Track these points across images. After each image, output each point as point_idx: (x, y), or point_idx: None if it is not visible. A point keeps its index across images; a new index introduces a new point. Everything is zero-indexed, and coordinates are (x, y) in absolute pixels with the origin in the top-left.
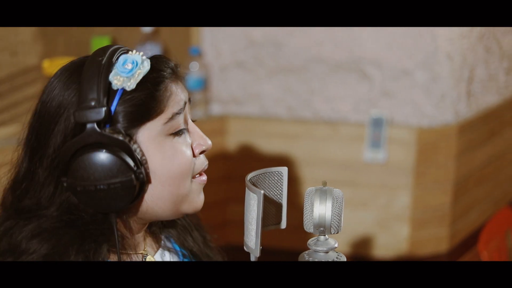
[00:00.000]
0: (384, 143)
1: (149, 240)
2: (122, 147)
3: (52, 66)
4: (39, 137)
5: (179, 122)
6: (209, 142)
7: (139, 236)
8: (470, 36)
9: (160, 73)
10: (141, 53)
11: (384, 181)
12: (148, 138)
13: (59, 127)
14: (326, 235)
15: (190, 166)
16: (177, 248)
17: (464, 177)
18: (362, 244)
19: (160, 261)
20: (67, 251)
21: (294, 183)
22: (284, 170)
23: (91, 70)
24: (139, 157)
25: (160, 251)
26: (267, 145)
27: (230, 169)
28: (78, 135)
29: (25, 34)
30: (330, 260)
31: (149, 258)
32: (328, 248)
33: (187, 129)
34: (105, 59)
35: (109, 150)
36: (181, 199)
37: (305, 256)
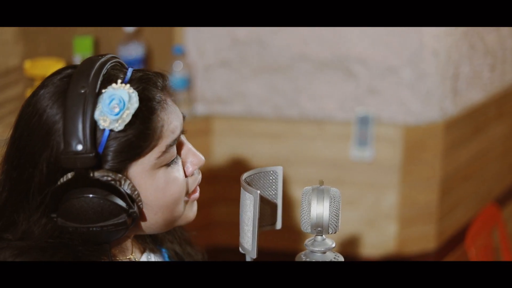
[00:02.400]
0: (370, 141)
1: (135, 243)
2: (113, 190)
3: (34, 67)
4: (19, 169)
5: (173, 153)
6: (202, 158)
7: (126, 244)
8: (454, 33)
9: (149, 105)
10: (127, 87)
11: (371, 179)
12: (141, 173)
13: (42, 165)
14: (324, 235)
15: (183, 191)
16: (162, 249)
17: (450, 174)
18: (350, 243)
19: (151, 261)
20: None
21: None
22: (279, 169)
23: (74, 106)
24: (131, 194)
25: (146, 253)
26: (253, 144)
27: (215, 170)
28: (64, 173)
29: (6, 34)
30: (327, 260)
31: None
32: (326, 249)
33: (179, 154)
34: (89, 89)
35: (99, 195)
36: (174, 219)
37: (302, 257)
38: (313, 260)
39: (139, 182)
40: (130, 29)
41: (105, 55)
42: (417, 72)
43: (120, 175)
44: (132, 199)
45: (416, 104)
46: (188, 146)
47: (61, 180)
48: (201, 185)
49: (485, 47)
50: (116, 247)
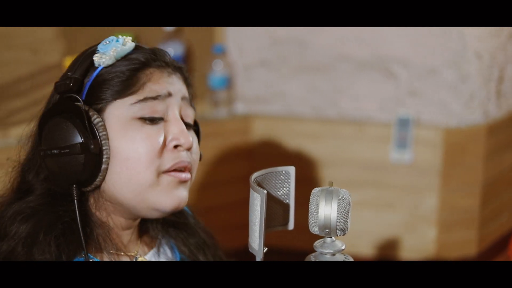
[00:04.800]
0: (410, 144)
1: (142, 241)
2: (79, 116)
3: None
4: (42, 114)
5: (152, 108)
6: (190, 139)
7: (127, 236)
8: (500, 35)
9: (145, 59)
10: (128, 38)
11: (410, 183)
12: (116, 116)
13: (49, 101)
14: (333, 237)
15: (152, 154)
16: (178, 259)
17: (493, 179)
18: (388, 246)
19: (156, 261)
20: (39, 234)
21: (318, 183)
22: (291, 169)
23: (85, 50)
24: (97, 129)
25: (153, 251)
26: (292, 144)
27: (254, 169)
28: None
29: (46, 32)
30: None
31: (140, 259)
32: (335, 251)
33: (164, 121)
34: (95, 46)
35: (66, 117)
36: (143, 189)
37: (311, 259)
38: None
39: (111, 124)
40: (170, 28)
41: None
42: (459, 74)
43: (94, 112)
44: (93, 134)
45: (457, 106)
46: (180, 126)
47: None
48: (240, 184)
49: None
50: (116, 238)
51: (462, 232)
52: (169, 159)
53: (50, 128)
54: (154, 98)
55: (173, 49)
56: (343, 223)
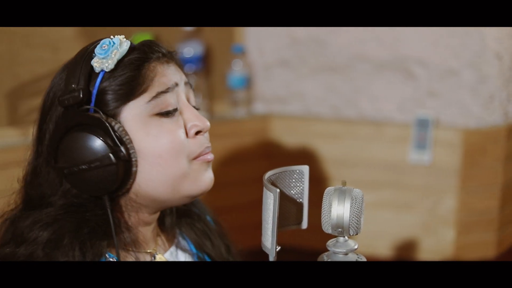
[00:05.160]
0: (429, 144)
1: (161, 239)
2: (100, 126)
3: None
4: (39, 128)
5: (166, 102)
6: (207, 123)
7: (149, 232)
8: None
9: (145, 54)
10: (122, 36)
11: (429, 184)
12: (133, 117)
13: (51, 115)
14: (346, 236)
15: (181, 145)
16: (194, 251)
17: None
18: (406, 247)
19: (171, 261)
20: (63, 238)
21: (336, 184)
22: (305, 168)
23: (77, 57)
24: (121, 136)
25: (172, 249)
26: (310, 144)
27: (272, 168)
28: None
29: (67, 31)
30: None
31: (159, 257)
32: (348, 250)
33: (179, 111)
34: (91, 47)
35: (86, 130)
36: (177, 180)
37: (324, 258)
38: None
39: (131, 127)
40: (190, 28)
41: None
42: (478, 75)
43: (111, 118)
44: (120, 140)
45: (477, 107)
46: (192, 111)
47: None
48: (257, 184)
49: None
50: (136, 237)
51: (480, 233)
52: (195, 146)
53: (68, 145)
54: (165, 91)
55: (192, 49)
56: (356, 223)
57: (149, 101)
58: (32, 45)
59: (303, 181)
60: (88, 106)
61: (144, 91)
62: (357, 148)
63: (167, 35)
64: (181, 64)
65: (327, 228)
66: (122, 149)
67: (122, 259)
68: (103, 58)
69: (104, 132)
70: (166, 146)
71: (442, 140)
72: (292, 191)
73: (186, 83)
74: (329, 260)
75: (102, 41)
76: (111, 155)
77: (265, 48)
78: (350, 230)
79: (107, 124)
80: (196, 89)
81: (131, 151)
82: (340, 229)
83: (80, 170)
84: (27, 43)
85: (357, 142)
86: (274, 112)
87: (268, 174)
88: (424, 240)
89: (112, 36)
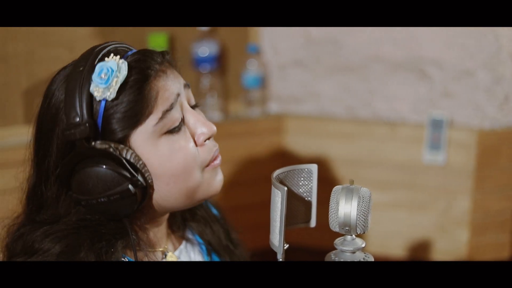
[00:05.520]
0: (443, 145)
1: (171, 235)
2: (114, 158)
3: None
4: (40, 151)
5: (172, 118)
6: (214, 128)
7: (160, 232)
8: None
9: (143, 73)
10: (117, 57)
11: (443, 184)
12: (143, 142)
13: (54, 143)
14: (353, 235)
15: (193, 159)
16: (200, 241)
17: None
18: (420, 248)
19: (181, 261)
20: (79, 250)
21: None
22: (313, 167)
23: (72, 83)
24: (134, 163)
25: (182, 246)
26: (325, 144)
27: None
28: (71, 149)
29: (83, 29)
30: (356, 261)
31: (170, 255)
32: (355, 248)
33: (184, 122)
34: (86, 67)
35: (100, 163)
36: (192, 190)
37: (332, 256)
38: (342, 260)
39: (143, 151)
40: (205, 27)
41: (112, 41)
42: (493, 76)
43: (122, 145)
44: (135, 168)
45: (492, 108)
46: (197, 117)
47: (68, 154)
48: (271, 183)
49: None
50: (148, 238)
51: (494, 235)
52: (205, 154)
53: (82, 179)
54: (170, 109)
55: (207, 48)
56: (363, 221)
57: (157, 123)
58: (48, 44)
59: (311, 180)
60: (97, 140)
61: (149, 114)
62: (371, 148)
63: (182, 34)
64: (175, 63)
65: (334, 227)
66: (139, 178)
67: (136, 248)
68: (104, 88)
69: (118, 163)
70: (180, 165)
71: (457, 140)
72: (300, 190)
73: (185, 86)
74: (336, 258)
75: (99, 67)
76: (130, 186)
77: (280, 48)
78: (357, 229)
79: (120, 157)
80: (211, 88)
81: (146, 175)
82: (347, 228)
83: (99, 202)
84: (43, 42)
85: (371, 143)
86: (289, 112)
87: (277, 172)
88: (438, 240)
89: (106, 58)
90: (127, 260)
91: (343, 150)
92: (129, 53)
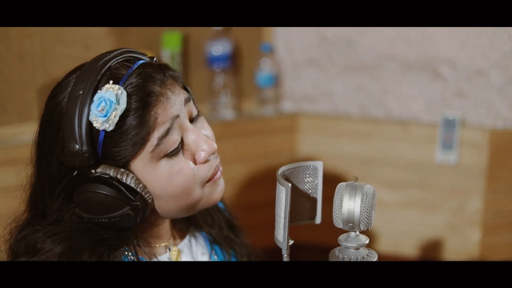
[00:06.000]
0: (456, 145)
1: (175, 230)
2: (113, 185)
3: None
4: (42, 160)
5: (170, 142)
6: (214, 145)
7: (163, 228)
8: None
9: (142, 102)
10: (116, 88)
11: (455, 184)
12: (142, 166)
13: (55, 159)
14: (357, 231)
15: (193, 179)
16: (203, 234)
17: None
18: (432, 247)
19: (186, 261)
20: (81, 251)
21: (363, 182)
22: (319, 164)
23: (72, 109)
24: (134, 186)
25: (186, 239)
26: (338, 143)
27: None
28: (73, 169)
29: (97, 28)
30: (359, 257)
31: (173, 249)
32: (359, 245)
33: (184, 142)
34: (85, 91)
35: (101, 190)
36: (193, 205)
37: (336, 252)
38: (346, 256)
39: (142, 175)
40: (218, 27)
41: (116, 50)
42: (507, 76)
43: (122, 170)
44: (135, 192)
45: (504, 108)
46: (198, 134)
47: (69, 175)
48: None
49: None
50: (151, 233)
51: (506, 235)
52: (205, 172)
53: (84, 200)
54: (166, 134)
55: (221, 47)
56: (366, 218)
57: (153, 150)
58: (64, 42)
59: (317, 177)
60: (97, 168)
61: (147, 141)
62: (384, 147)
63: (196, 33)
64: (175, 75)
65: (338, 223)
66: (138, 202)
67: (138, 254)
68: (103, 121)
69: (117, 189)
70: (179, 186)
71: (469, 140)
72: (305, 186)
73: (186, 101)
74: (340, 254)
75: (97, 99)
76: (130, 211)
77: (294, 47)
78: (361, 225)
79: (120, 185)
80: (225, 87)
81: (146, 196)
82: (350, 224)
83: (100, 222)
84: (59, 40)
85: (384, 142)
86: (302, 111)
87: (282, 169)
88: (450, 240)
89: (105, 86)
90: (130, 256)
91: (356, 149)
92: (129, 71)
